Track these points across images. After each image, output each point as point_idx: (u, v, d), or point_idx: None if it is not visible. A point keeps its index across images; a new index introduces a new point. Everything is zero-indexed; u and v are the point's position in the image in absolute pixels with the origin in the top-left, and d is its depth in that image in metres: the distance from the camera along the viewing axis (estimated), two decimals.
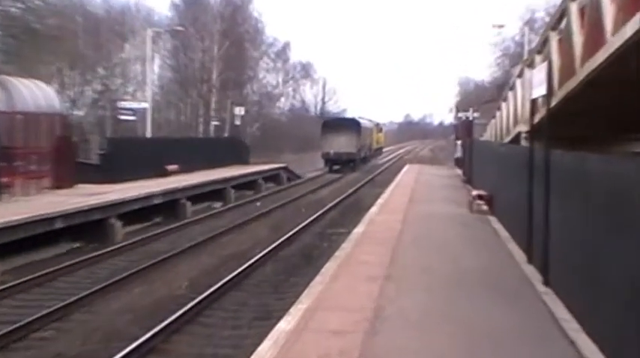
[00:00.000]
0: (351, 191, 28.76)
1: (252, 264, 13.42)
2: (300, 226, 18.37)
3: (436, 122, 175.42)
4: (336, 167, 45.44)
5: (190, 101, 48.59)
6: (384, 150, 71.22)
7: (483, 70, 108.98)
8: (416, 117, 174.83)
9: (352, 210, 22.77)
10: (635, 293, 4.95)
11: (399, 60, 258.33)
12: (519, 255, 10.31)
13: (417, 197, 19.75)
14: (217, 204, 24.75)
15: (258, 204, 25.62)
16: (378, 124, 65.13)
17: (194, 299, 10.56)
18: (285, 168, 36.54)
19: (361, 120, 51.25)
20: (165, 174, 25.53)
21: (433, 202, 18.45)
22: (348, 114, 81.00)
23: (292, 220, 20.14)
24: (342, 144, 45.06)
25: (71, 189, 19.63)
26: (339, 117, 56.59)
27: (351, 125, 47.07)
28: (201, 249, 15.73)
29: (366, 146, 51.97)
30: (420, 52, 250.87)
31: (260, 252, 14.63)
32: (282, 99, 68.65)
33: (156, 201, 19.86)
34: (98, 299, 11.07)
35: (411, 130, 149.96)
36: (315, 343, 6.16)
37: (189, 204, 21.95)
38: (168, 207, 20.68)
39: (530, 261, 9.62)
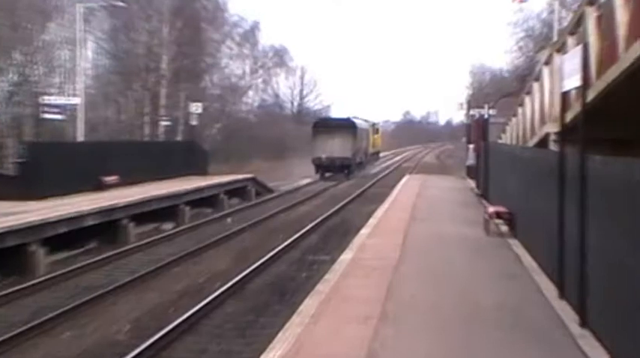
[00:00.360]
0: (335, 208, 28.78)
1: (212, 301, 13.29)
2: (273, 253, 18.29)
3: (443, 121, 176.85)
4: (328, 174, 48.21)
5: (134, 96, 48.30)
6: (380, 155, 72.91)
7: (501, 57, 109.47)
8: (417, 115, 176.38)
9: (338, 232, 22.81)
10: None
11: (395, 44, 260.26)
12: (549, 289, 10.28)
13: (419, 216, 19.74)
14: (168, 226, 24.61)
15: (229, 220, 25.68)
16: (374, 124, 67.84)
17: (137, 346, 10.40)
18: (253, 180, 36.47)
19: (356, 121, 53.80)
20: (102, 187, 25.33)
21: (439, 222, 18.44)
22: (333, 113, 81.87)
23: (262, 245, 20.10)
24: (335, 147, 48.41)
25: None
26: (331, 118, 59.44)
27: (345, 126, 50.34)
28: (147, 282, 15.58)
29: (362, 150, 54.87)
30: (422, 34, 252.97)
31: (221, 285, 14.51)
32: (250, 93, 68.73)
33: (90, 222, 19.66)
34: (14, 349, 10.86)
35: (412, 131, 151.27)
36: None
37: (131, 225, 21.78)
38: (105, 229, 20.50)
39: (562, 295, 9.59)
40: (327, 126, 50.67)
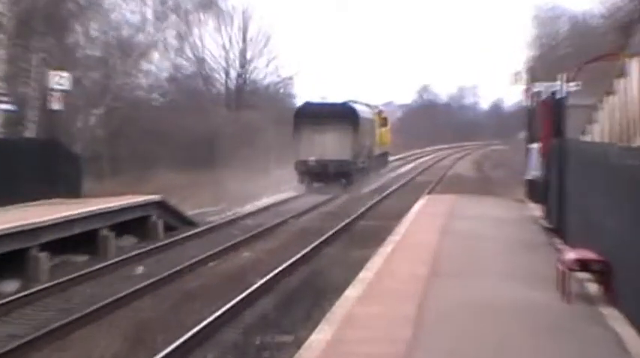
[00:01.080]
0: (302, 253, 28.74)
1: None
2: (193, 331, 18.15)
3: (486, 104, 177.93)
4: (317, 184, 54.43)
5: None
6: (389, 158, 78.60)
7: None
8: (443, 93, 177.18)
9: (306, 294, 22.90)
10: None
11: None
12: None
13: (445, 267, 19.79)
14: (10, 286, 24.40)
15: (141, 270, 26.12)
16: (380, 111, 73.58)
17: None
18: (160, 205, 36.25)
19: (358, 107, 60.07)
20: None
21: (481, 279, 18.49)
22: (298, 91, 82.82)
23: (174, 318, 20.12)
24: (328, 146, 54.88)
25: None
26: (322, 102, 62.77)
27: (342, 115, 56.57)
28: None
29: (366, 149, 60.88)
30: None
31: None
32: (155, 55, 68.50)
33: None
34: None
35: (433, 120, 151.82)
36: None
37: None
38: None
39: None
40: (316, 114, 55.71)
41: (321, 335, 13.26)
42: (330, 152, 53.91)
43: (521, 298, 16.32)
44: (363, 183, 59.30)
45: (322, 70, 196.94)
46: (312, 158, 53.79)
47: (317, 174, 54.52)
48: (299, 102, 70.09)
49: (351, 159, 54.69)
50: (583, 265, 16.18)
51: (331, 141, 54.42)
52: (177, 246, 32.14)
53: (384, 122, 72.97)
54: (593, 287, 16.24)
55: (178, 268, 26.46)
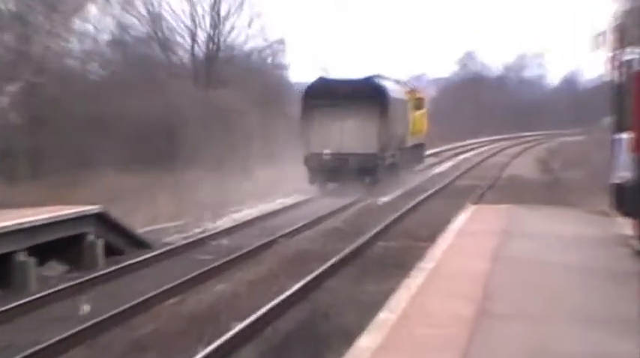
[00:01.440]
0: (298, 286, 28.55)
1: None
2: None
3: (555, 79, 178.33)
4: (333, 184, 57.12)
5: None
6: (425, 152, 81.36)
7: None
8: (494, 64, 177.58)
9: (303, 343, 22.90)
10: None
11: None
12: None
13: (498, 306, 19.61)
14: None
15: (73, 310, 26.32)
16: (414, 89, 76.23)
17: None
18: (99, 219, 36.14)
19: (386, 84, 61.99)
20: None
21: (547, 321, 18.34)
22: (291, 63, 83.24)
23: None
24: (349, 136, 57.13)
25: None
26: (341, 80, 64.92)
27: (367, 95, 58.57)
28: None
29: (397, 139, 63.08)
30: None
31: None
32: (93, 10, 68.53)
33: None
34: None
35: (480, 102, 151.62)
36: None
37: None
38: None
39: None
40: (332, 94, 57.41)
41: None
42: (351, 143, 55.29)
43: (604, 350, 16.10)
44: (390, 185, 60.20)
45: (324, 34, 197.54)
46: (327, 151, 55.19)
47: (333, 169, 55.82)
48: (292, 76, 70.53)
49: (377, 152, 56.09)
50: None
51: (352, 130, 55.72)
52: (123, 277, 32.07)
53: (419, 103, 74.32)
54: None
55: (125, 307, 26.33)
